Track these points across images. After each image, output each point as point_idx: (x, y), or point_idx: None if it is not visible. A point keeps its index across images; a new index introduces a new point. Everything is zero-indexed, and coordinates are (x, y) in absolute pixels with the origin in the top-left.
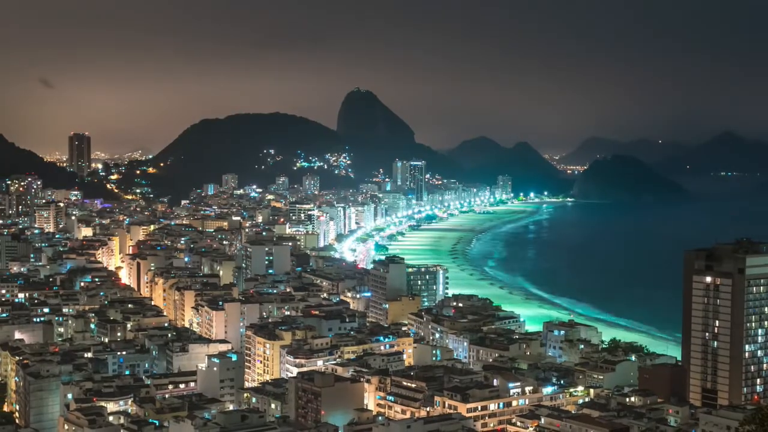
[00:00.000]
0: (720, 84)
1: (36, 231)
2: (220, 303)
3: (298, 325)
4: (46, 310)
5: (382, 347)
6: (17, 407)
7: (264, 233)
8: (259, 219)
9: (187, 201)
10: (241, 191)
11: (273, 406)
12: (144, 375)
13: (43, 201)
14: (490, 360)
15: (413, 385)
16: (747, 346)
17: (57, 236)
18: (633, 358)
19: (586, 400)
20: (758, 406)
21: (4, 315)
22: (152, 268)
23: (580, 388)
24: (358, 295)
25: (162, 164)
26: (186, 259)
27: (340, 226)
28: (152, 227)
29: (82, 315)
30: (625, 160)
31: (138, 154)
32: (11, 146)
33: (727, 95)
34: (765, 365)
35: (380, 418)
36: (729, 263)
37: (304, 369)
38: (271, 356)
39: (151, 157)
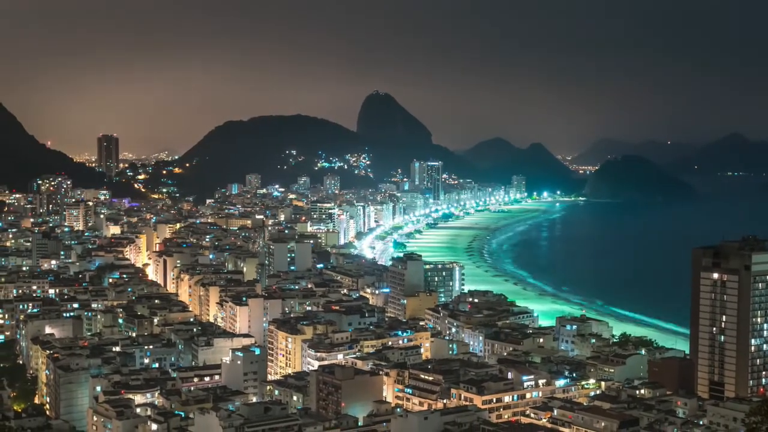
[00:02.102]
0: (727, 86)
1: (66, 229)
2: (244, 299)
3: (319, 320)
4: (75, 305)
5: (400, 341)
6: (48, 399)
7: (286, 231)
8: (282, 217)
9: (212, 200)
10: (264, 191)
11: (295, 398)
12: (170, 368)
13: (73, 200)
14: (505, 354)
15: (430, 378)
16: (753, 340)
17: (86, 234)
18: (643, 351)
19: (598, 392)
20: (764, 399)
21: (36, 310)
22: (178, 265)
23: (592, 380)
24: (377, 291)
25: (187, 164)
26: (211, 257)
27: (360, 224)
28: (178, 225)
29: (110, 310)
30: (635, 161)
31: (164, 155)
32: (42, 147)
33: (733, 97)
34: None
35: (398, 409)
36: (735, 260)
37: (325, 362)
38: (293, 350)
39: (176, 157)
